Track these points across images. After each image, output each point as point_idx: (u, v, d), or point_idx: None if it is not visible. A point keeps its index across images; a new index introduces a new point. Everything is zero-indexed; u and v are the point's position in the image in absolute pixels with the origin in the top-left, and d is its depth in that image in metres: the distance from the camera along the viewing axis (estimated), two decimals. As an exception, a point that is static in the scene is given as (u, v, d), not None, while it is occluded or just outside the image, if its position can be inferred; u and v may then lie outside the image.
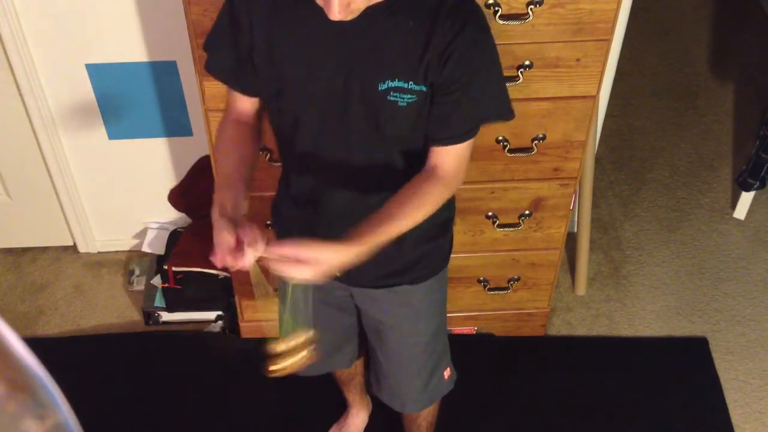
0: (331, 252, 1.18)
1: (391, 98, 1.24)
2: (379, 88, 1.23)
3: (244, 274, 2.13)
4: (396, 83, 1.23)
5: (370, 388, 2.06)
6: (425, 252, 1.52)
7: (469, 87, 1.25)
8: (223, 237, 1.19)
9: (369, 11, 1.17)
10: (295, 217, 1.49)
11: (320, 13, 1.18)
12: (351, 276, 1.50)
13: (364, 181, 1.38)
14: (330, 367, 1.89)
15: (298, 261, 1.17)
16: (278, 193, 1.55)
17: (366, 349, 1.85)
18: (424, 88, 1.24)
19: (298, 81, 1.28)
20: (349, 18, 1.15)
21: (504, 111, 1.33)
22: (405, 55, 1.22)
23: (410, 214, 1.28)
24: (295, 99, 1.31)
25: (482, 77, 1.27)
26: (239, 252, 1.19)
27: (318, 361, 1.83)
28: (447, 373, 1.76)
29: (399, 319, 1.62)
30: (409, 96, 1.24)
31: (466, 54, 1.22)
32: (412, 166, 1.34)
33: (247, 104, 1.38)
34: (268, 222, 1.96)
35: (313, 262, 1.16)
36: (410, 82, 1.23)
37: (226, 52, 1.32)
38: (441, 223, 1.53)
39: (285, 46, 1.27)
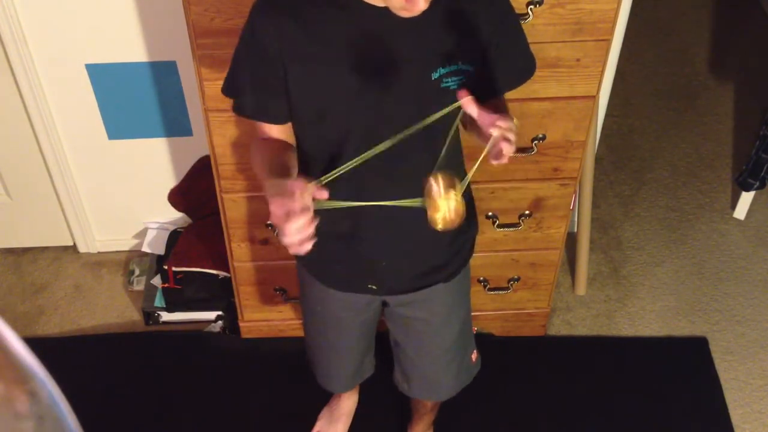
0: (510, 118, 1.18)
1: (444, 84, 1.27)
2: (433, 78, 1.26)
3: (244, 274, 2.14)
4: (447, 69, 1.26)
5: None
6: (459, 246, 1.54)
7: (515, 45, 1.36)
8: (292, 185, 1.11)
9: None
10: (330, 226, 1.47)
11: (351, 26, 1.20)
12: (387, 285, 1.52)
13: (406, 180, 1.36)
14: (359, 379, 1.93)
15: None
16: None
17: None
18: (470, 68, 1.28)
19: (345, 95, 1.28)
20: (422, 10, 1.15)
21: (533, 64, 1.42)
22: (446, 40, 1.26)
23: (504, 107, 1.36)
24: (342, 114, 1.30)
25: (520, 35, 1.38)
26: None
27: (349, 376, 1.87)
28: (474, 355, 1.79)
29: (433, 315, 1.63)
30: (459, 78, 1.28)
31: (504, 21, 1.32)
32: (452, 157, 1.38)
33: (278, 132, 1.37)
34: (269, 222, 1.97)
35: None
36: (459, 63, 1.27)
37: (251, 90, 1.32)
38: (471, 214, 1.54)
39: (324, 66, 1.26)
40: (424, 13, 1.20)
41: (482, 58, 1.30)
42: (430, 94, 1.27)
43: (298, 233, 1.09)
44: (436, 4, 1.21)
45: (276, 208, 1.10)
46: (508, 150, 1.12)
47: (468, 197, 1.53)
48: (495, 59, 1.32)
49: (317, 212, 1.14)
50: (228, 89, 1.37)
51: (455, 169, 1.43)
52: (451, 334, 1.67)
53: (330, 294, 1.58)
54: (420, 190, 1.36)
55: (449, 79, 1.27)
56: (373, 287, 1.52)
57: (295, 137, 1.40)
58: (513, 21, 1.37)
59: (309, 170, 1.42)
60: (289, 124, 1.38)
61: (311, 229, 1.10)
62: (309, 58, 1.25)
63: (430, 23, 1.23)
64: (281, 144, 1.37)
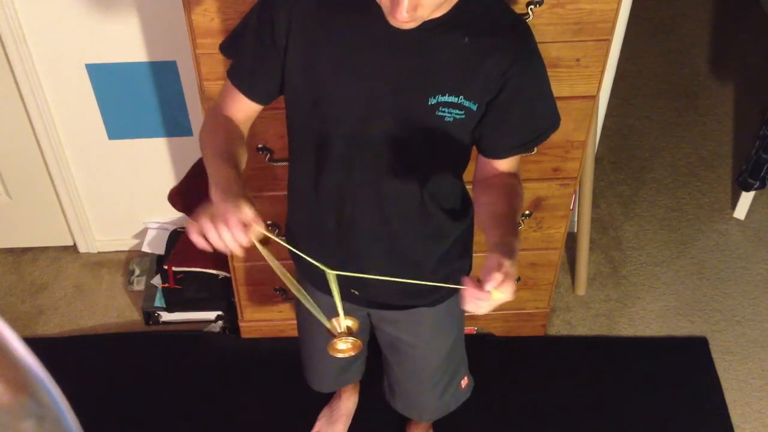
0: (511, 266, 1.18)
1: (439, 113, 1.24)
2: (429, 103, 1.23)
3: (244, 274, 2.13)
4: (446, 98, 1.22)
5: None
6: (446, 275, 1.51)
7: (529, 104, 1.29)
8: (240, 208, 1.08)
9: (422, 27, 1.17)
10: (316, 239, 1.46)
11: (369, 26, 1.18)
12: (369, 297, 1.51)
13: (392, 199, 1.37)
14: (344, 383, 1.94)
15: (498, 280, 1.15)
16: (294, 209, 1.51)
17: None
18: (474, 107, 1.24)
19: (337, 92, 1.26)
20: (411, 26, 1.13)
21: (557, 122, 1.36)
22: (457, 71, 1.22)
23: (520, 207, 1.32)
24: (330, 110, 1.29)
25: (540, 94, 1.31)
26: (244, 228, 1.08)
27: (333, 379, 1.88)
28: (464, 382, 1.78)
29: (416, 337, 1.63)
30: (457, 112, 1.24)
31: (527, 74, 1.25)
32: (435, 185, 1.35)
33: (248, 110, 1.34)
34: (269, 222, 1.96)
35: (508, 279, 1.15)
36: (460, 97, 1.22)
37: (248, 58, 1.30)
38: (461, 248, 1.53)
39: (327, 57, 1.24)
40: (445, 36, 1.18)
41: (487, 103, 1.25)
42: (422, 117, 1.25)
43: (226, 240, 1.08)
44: (456, 31, 1.19)
45: (215, 213, 1.08)
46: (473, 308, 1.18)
47: (466, 227, 1.52)
48: (501, 114, 1.26)
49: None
50: (227, 49, 1.35)
51: (450, 193, 1.44)
52: (436, 359, 1.67)
53: (317, 296, 1.59)
54: (408, 210, 1.37)
55: (446, 110, 1.23)
56: (356, 292, 1.50)
57: (288, 122, 1.38)
58: (536, 82, 1.29)
59: (297, 159, 1.42)
60: (256, 112, 1.35)
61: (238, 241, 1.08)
62: (313, 50, 1.24)
63: (446, 48, 1.20)
64: (238, 131, 1.33)
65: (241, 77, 1.31)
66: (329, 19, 1.22)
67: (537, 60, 1.27)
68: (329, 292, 1.52)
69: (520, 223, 1.28)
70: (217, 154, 1.23)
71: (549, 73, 1.73)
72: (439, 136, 1.28)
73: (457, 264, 1.54)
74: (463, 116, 1.25)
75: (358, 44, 1.23)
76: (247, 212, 1.08)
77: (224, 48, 1.37)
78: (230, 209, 1.08)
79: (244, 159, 1.29)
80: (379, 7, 1.13)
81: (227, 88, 1.34)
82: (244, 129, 1.36)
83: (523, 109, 1.28)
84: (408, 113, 1.25)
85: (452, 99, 1.23)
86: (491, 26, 1.22)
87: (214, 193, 1.13)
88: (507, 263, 1.14)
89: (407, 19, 1.09)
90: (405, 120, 1.26)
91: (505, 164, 1.34)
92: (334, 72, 1.25)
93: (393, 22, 1.12)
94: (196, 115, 2.24)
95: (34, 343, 0.64)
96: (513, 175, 1.34)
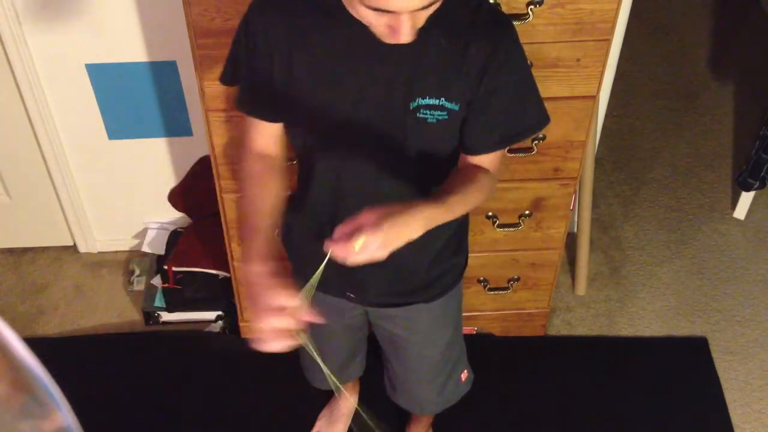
0: (400, 217, 1.13)
1: (421, 115, 1.23)
2: (410, 107, 1.23)
3: (242, 274, 2.13)
4: (427, 101, 1.22)
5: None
6: (441, 272, 1.52)
7: (507, 100, 1.26)
8: (273, 297, 1.16)
9: None
10: (311, 241, 1.46)
11: (344, 35, 1.18)
12: (365, 296, 1.52)
13: (385, 203, 1.37)
14: (346, 380, 1.93)
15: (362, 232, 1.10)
16: (290, 217, 1.51)
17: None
18: (456, 107, 1.23)
19: (320, 103, 1.26)
20: (407, 41, 1.12)
21: (542, 119, 1.33)
22: (436, 73, 1.22)
23: (472, 195, 1.27)
24: (315, 121, 1.29)
25: (519, 90, 1.27)
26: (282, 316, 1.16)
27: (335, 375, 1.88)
28: (464, 375, 1.78)
29: (414, 333, 1.63)
30: (439, 113, 1.23)
31: (503, 68, 1.22)
32: (431, 185, 1.35)
33: (273, 132, 1.34)
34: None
35: (382, 230, 1.10)
36: (441, 99, 1.22)
37: (250, 83, 1.31)
38: (457, 242, 1.53)
39: (306, 69, 1.24)
40: (423, 39, 1.17)
41: (469, 101, 1.24)
42: (404, 122, 1.24)
43: (272, 331, 1.15)
44: (434, 32, 1.18)
45: (255, 301, 1.17)
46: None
47: (460, 224, 1.52)
48: (479, 110, 1.25)
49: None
50: (227, 78, 1.36)
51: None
52: (433, 354, 1.67)
53: (314, 295, 1.59)
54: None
55: (428, 112, 1.23)
56: (351, 295, 1.52)
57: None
58: (515, 76, 1.26)
59: (300, 167, 1.42)
60: (281, 130, 1.35)
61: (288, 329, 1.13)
62: (292, 61, 1.24)
63: (422, 50, 1.20)
64: (268, 165, 1.33)
65: (252, 105, 1.32)
66: (306, 35, 1.22)
67: (517, 54, 1.25)
68: (329, 292, 1.52)
69: (462, 207, 1.26)
70: (249, 212, 1.27)
71: (549, 73, 1.73)
72: (424, 137, 1.27)
73: (452, 261, 1.54)
74: (447, 117, 1.24)
75: (336, 56, 1.22)
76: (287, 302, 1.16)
77: (225, 80, 1.37)
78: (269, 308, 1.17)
79: (275, 193, 1.31)
80: (352, 18, 1.13)
81: (245, 120, 1.35)
82: (279, 151, 1.36)
83: (503, 104, 1.25)
84: (389, 118, 1.25)
85: (433, 101, 1.22)
86: (468, 24, 1.21)
87: (246, 271, 1.20)
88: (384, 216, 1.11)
89: (408, 39, 1.10)
90: (387, 125, 1.26)
91: (481, 160, 1.31)
92: (314, 85, 1.25)
93: (391, 41, 1.11)
94: (196, 115, 2.24)
95: (34, 343, 0.64)
96: (484, 170, 1.31)
